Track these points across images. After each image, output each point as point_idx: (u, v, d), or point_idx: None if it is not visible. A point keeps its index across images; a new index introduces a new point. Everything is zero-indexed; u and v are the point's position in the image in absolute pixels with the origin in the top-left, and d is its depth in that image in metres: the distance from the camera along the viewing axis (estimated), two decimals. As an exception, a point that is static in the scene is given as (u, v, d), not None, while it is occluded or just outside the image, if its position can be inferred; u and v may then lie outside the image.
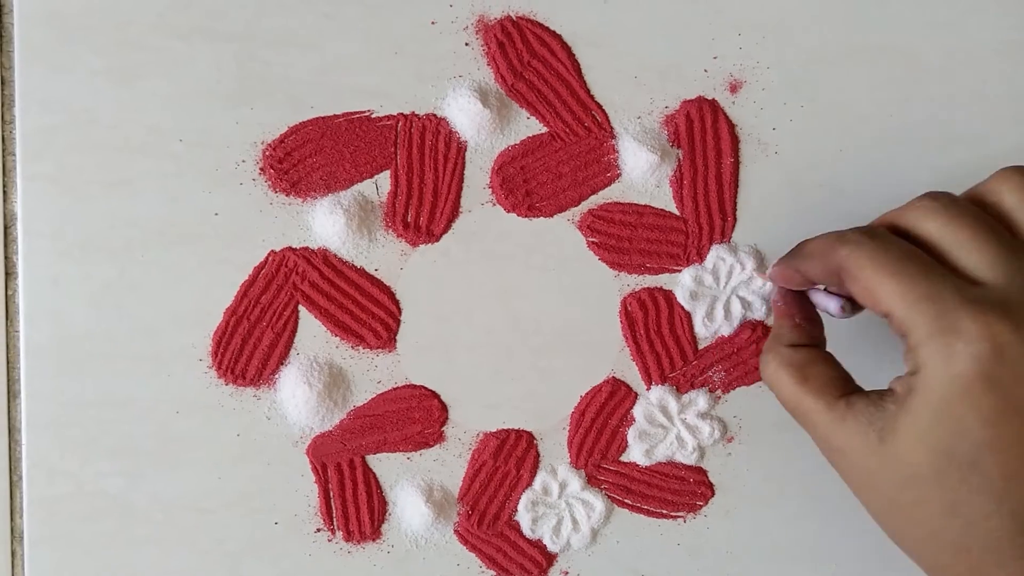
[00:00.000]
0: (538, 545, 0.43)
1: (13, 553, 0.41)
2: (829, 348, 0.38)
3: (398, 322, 0.42)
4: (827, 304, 0.38)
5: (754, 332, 0.43)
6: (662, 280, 0.43)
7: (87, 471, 0.41)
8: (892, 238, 0.35)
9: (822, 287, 0.38)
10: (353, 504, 0.42)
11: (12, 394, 0.40)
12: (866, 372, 0.37)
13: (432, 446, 0.42)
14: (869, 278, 0.34)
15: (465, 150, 0.41)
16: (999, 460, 0.32)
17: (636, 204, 0.42)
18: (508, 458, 0.42)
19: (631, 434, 0.43)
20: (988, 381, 0.32)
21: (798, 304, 0.39)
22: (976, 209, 0.35)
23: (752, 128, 0.43)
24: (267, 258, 0.41)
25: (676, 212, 0.42)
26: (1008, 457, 0.32)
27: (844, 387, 0.36)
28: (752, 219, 0.43)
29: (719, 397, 0.43)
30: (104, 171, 0.40)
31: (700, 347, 0.43)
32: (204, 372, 0.41)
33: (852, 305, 0.37)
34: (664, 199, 0.42)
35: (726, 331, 0.43)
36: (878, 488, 0.34)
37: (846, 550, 0.44)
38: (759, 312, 0.43)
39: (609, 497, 0.43)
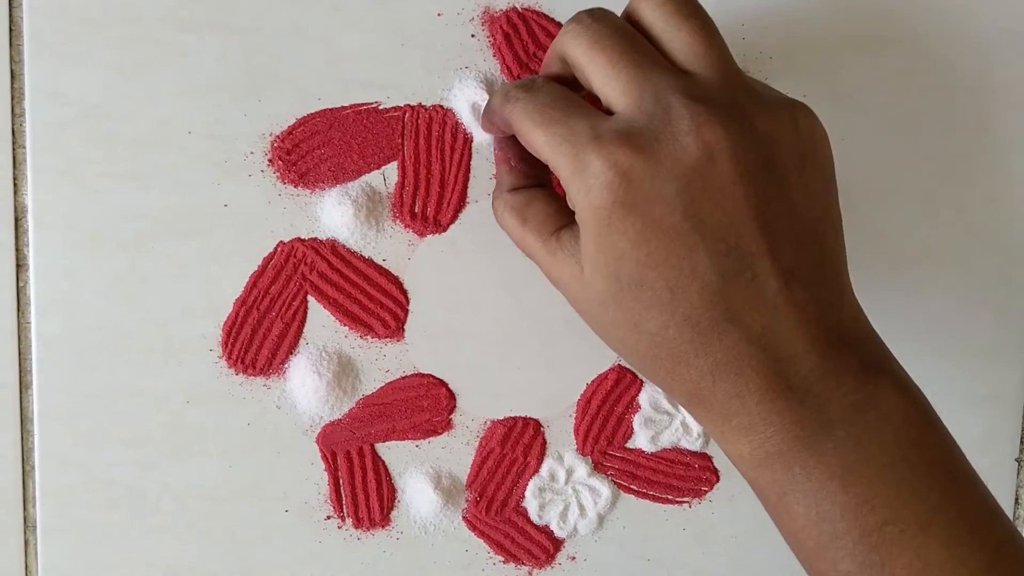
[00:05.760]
0: (545, 531, 0.43)
1: (26, 542, 0.41)
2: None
3: (406, 311, 0.42)
4: None
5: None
6: (667, 268, 0.43)
7: (99, 461, 0.41)
8: (545, 87, 0.36)
9: None
10: (362, 492, 0.42)
11: (24, 385, 0.41)
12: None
13: (440, 434, 0.43)
14: (526, 132, 0.35)
15: (472, 141, 0.42)
16: (658, 274, 0.34)
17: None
18: (515, 445, 0.43)
19: (637, 421, 0.43)
20: (624, 206, 0.33)
21: (512, 148, 0.40)
22: (617, 28, 0.35)
23: (755, 117, 0.43)
24: (276, 249, 0.41)
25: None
26: (665, 269, 0.34)
27: (559, 222, 0.37)
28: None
29: (723, 384, 0.44)
30: (114, 163, 0.40)
31: (704, 334, 0.43)
32: (214, 362, 0.41)
33: None
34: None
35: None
36: (587, 311, 0.36)
37: (849, 534, 0.45)
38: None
39: (615, 483, 0.44)
